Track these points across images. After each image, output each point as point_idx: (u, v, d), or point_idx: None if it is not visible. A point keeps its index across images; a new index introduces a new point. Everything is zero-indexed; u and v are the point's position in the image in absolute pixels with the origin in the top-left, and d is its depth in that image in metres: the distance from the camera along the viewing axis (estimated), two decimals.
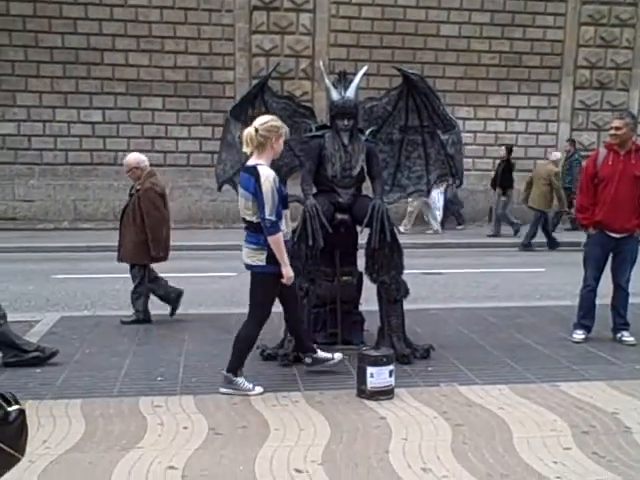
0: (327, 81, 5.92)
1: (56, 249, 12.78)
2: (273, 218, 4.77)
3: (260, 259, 4.97)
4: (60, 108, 15.58)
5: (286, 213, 5.02)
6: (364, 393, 4.84)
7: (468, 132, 15.92)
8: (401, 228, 14.64)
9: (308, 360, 5.41)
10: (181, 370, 5.51)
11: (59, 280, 9.89)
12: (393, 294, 5.76)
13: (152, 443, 4.06)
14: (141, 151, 15.50)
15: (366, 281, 6.01)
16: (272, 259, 4.91)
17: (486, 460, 3.88)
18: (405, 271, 5.97)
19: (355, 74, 5.92)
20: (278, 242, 4.85)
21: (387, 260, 5.70)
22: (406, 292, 5.84)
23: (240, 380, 5.04)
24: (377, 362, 4.84)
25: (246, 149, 4.90)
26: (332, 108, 5.76)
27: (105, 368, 5.53)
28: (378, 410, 4.63)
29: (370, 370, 4.81)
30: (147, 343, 6.32)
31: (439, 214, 15.91)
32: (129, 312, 7.79)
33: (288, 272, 4.94)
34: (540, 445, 4.08)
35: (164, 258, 7.28)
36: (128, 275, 10.38)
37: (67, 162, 15.72)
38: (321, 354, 5.43)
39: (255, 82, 6.21)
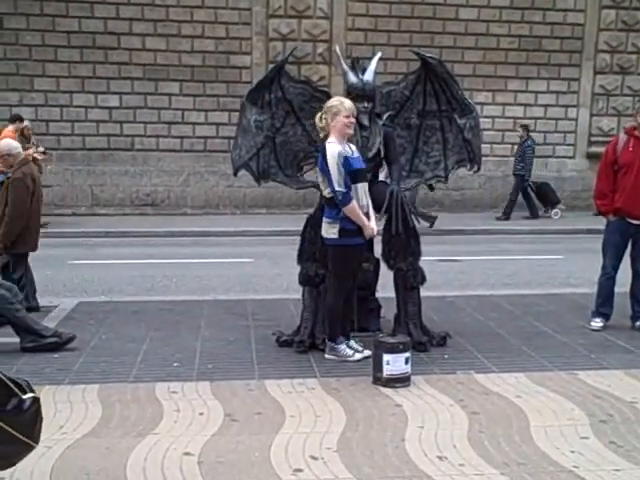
0: (344, 65, 5.87)
1: (73, 234, 12.85)
2: (342, 189, 5.12)
3: (333, 232, 5.28)
4: (77, 93, 15.57)
5: (364, 187, 5.32)
6: (380, 380, 4.83)
7: (486, 117, 15.75)
8: None
9: (328, 355, 5.51)
10: (197, 356, 5.52)
11: (76, 265, 9.94)
12: (410, 281, 5.73)
13: (168, 429, 4.07)
14: (158, 136, 15.70)
15: (383, 267, 5.99)
16: (344, 232, 5.24)
17: (502, 449, 3.86)
18: (421, 258, 5.95)
19: (369, 59, 5.88)
20: (352, 210, 5.17)
21: (404, 247, 5.67)
22: (423, 279, 5.82)
23: (341, 347, 5.45)
24: (393, 349, 4.82)
25: (321, 135, 5.40)
26: (350, 91, 5.68)
27: (122, 354, 5.56)
28: (394, 397, 4.62)
29: (386, 357, 4.80)
30: (163, 329, 6.33)
31: None
32: (146, 298, 7.85)
33: (367, 228, 5.27)
34: (557, 434, 4.05)
35: (33, 249, 6.95)
36: (145, 261, 10.47)
37: (84, 147, 15.74)
38: (342, 348, 5.48)
39: (272, 66, 6.16)
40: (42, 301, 7.37)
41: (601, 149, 7.60)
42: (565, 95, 17.15)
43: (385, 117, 5.93)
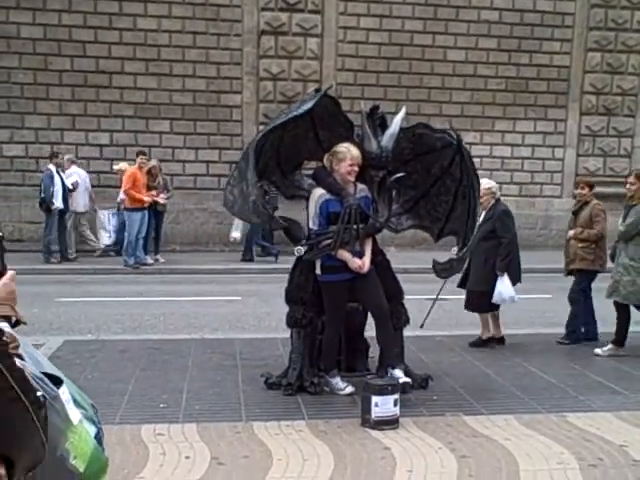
0: (367, 128, 5.54)
1: (62, 271, 12.79)
2: (315, 227, 5.37)
3: (318, 269, 5.45)
4: (68, 131, 15.65)
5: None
6: (368, 423, 4.79)
7: (475, 157, 15.84)
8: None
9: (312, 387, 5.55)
10: (184, 397, 5.47)
11: (63, 303, 9.87)
12: (393, 322, 5.73)
13: (154, 473, 4.01)
14: None
15: None
16: (325, 269, 5.39)
17: None
18: (410, 296, 5.95)
19: (393, 114, 5.66)
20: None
21: (385, 291, 5.65)
22: (406, 321, 5.83)
23: (334, 380, 5.60)
24: (382, 391, 4.80)
25: None
26: (366, 157, 5.43)
27: (108, 394, 5.49)
28: (383, 440, 4.58)
29: (375, 399, 4.77)
30: (150, 369, 6.28)
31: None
32: (133, 337, 7.80)
33: (350, 262, 5.32)
34: (547, 479, 4.02)
35: None
36: (133, 298, 10.41)
37: None
38: (335, 381, 5.60)
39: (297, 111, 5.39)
40: (28, 340, 7.32)
41: None
42: (552, 136, 17.36)
43: (393, 178, 5.63)
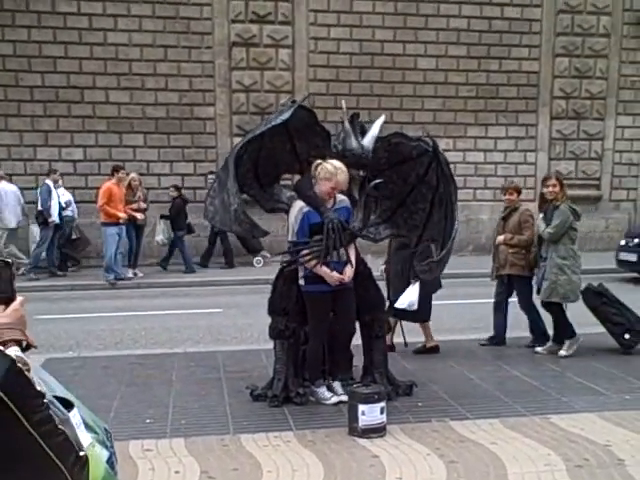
0: (347, 125, 5.56)
1: (38, 288, 12.66)
2: (294, 239, 5.41)
3: (301, 279, 5.47)
4: (41, 147, 15.53)
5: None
6: (356, 431, 4.82)
7: None
8: None
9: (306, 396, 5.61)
10: (170, 411, 5.45)
11: (42, 321, 9.75)
12: (375, 330, 5.77)
13: None
14: None
15: None
16: (310, 279, 5.41)
17: None
18: (386, 305, 6.00)
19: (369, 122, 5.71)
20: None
21: (364, 300, 5.70)
22: (389, 328, 5.87)
23: (319, 390, 5.61)
24: (368, 399, 4.83)
25: None
26: (347, 155, 5.44)
27: (93, 411, 5.43)
28: (371, 448, 4.61)
29: (361, 408, 4.80)
30: (134, 384, 6.25)
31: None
32: (115, 352, 7.75)
33: (331, 278, 5.36)
34: None
35: None
36: (113, 314, 10.34)
37: None
38: (321, 391, 5.61)
39: (273, 123, 5.43)
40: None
41: None
42: (523, 140, 17.58)
43: (372, 184, 5.61)
